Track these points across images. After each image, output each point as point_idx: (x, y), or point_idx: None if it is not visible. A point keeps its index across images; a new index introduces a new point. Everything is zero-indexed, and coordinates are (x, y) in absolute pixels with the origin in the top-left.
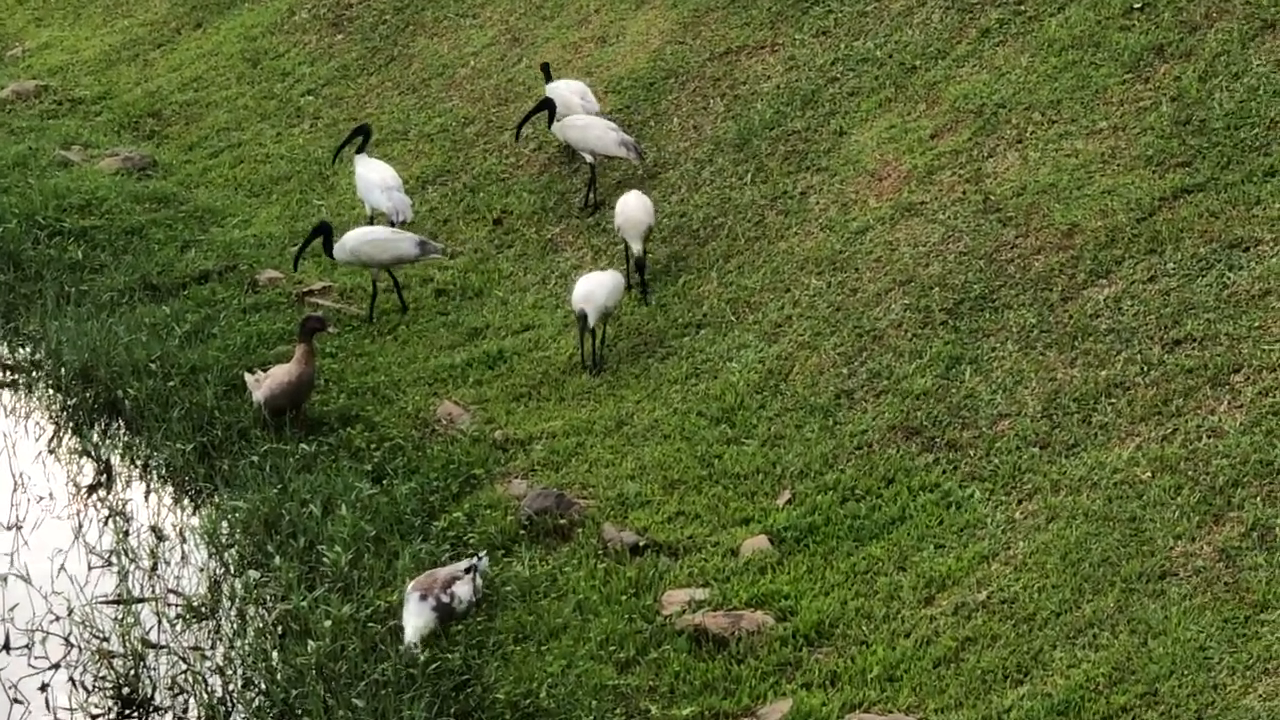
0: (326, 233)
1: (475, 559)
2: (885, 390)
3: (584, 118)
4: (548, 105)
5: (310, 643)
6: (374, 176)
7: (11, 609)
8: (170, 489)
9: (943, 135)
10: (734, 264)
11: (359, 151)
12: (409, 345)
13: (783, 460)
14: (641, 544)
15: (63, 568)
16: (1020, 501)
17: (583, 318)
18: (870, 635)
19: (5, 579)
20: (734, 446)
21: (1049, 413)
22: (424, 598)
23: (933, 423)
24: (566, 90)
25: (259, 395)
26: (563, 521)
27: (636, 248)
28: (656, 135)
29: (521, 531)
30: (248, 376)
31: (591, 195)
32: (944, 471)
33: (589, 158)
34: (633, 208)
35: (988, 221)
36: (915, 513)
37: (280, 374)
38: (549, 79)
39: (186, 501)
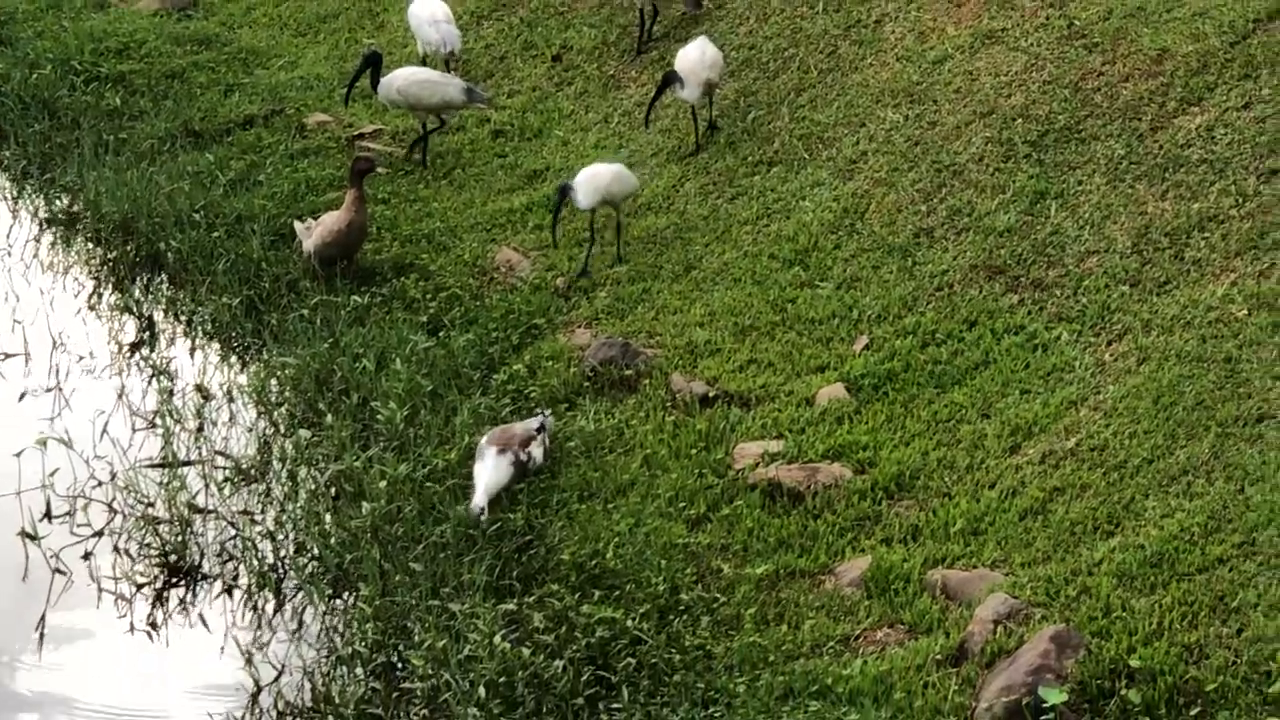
0: (376, 63)
1: (542, 416)
2: (966, 228)
3: None
4: None
5: (365, 504)
6: (423, 11)
7: (52, 474)
8: (216, 346)
9: None
10: (806, 98)
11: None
12: (465, 189)
13: (859, 304)
14: (711, 394)
15: (105, 430)
16: (1110, 343)
17: (564, 190)
18: (953, 487)
19: (45, 443)
20: (808, 290)
21: (1139, 249)
22: (503, 452)
23: (1017, 261)
24: None
25: (309, 245)
26: (629, 372)
27: (692, 100)
28: None
29: (585, 383)
30: (297, 225)
31: (645, 36)
32: (1029, 313)
33: (639, 0)
34: (692, 60)
35: (1072, 48)
36: (999, 357)
37: (330, 222)
38: None
39: (233, 359)
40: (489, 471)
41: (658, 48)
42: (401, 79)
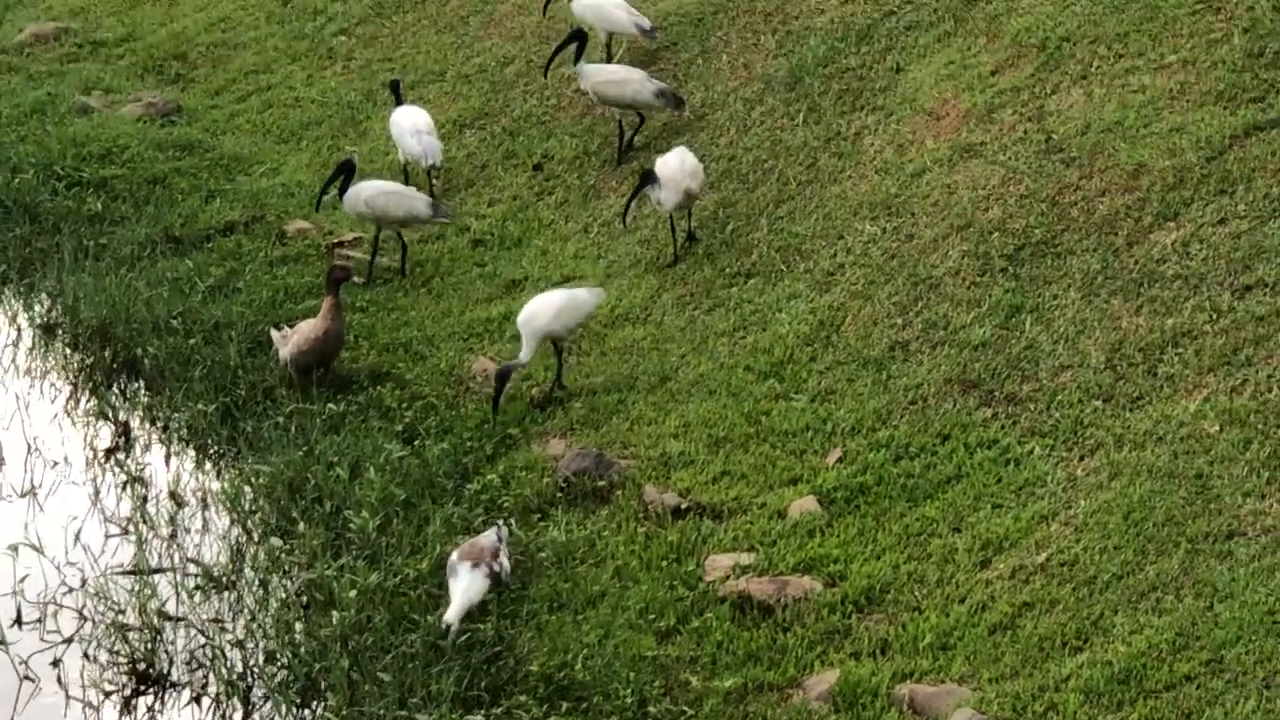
0: (349, 172)
1: (498, 528)
2: (941, 341)
3: (619, 70)
4: (578, 37)
5: (335, 613)
6: (405, 121)
7: (22, 580)
8: (191, 452)
9: (1004, 71)
10: (784, 209)
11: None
12: (443, 298)
13: (833, 416)
14: (684, 506)
15: (78, 536)
16: (1082, 458)
17: (504, 374)
18: (923, 601)
19: (17, 549)
20: (782, 402)
21: (1113, 364)
22: (476, 566)
23: (991, 375)
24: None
25: (285, 352)
26: (602, 483)
27: (671, 207)
28: (704, 74)
29: (559, 494)
30: (274, 333)
31: (625, 146)
32: (1002, 427)
33: (618, 113)
34: (672, 168)
35: (1050, 162)
36: (972, 471)
37: (307, 330)
38: None
39: (208, 465)
40: (464, 587)
41: (638, 158)
42: (370, 190)
